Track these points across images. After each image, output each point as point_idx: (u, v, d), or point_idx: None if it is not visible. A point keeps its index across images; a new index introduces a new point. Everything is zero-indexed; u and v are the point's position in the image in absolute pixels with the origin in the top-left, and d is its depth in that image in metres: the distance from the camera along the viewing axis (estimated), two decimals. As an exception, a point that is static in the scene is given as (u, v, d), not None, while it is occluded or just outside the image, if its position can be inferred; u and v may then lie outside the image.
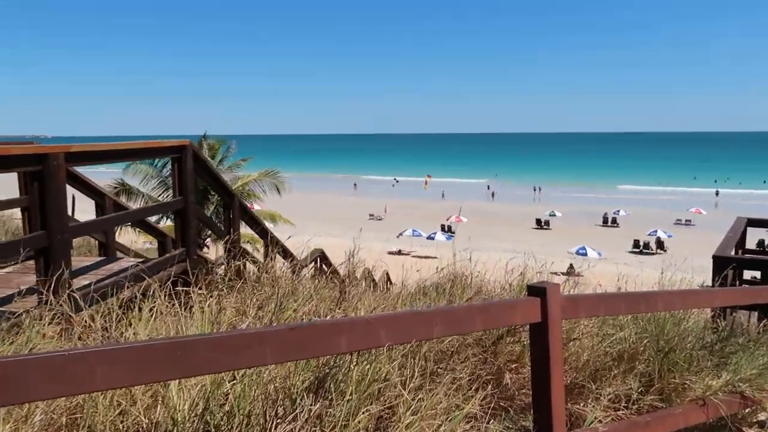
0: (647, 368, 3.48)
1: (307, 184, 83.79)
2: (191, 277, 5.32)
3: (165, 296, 3.35)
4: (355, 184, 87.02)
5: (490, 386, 3.19)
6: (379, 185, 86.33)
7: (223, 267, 5.61)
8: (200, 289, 4.01)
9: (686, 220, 49.95)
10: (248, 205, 23.40)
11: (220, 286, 3.63)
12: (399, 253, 38.92)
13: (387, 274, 18.43)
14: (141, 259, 6.82)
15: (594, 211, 54.88)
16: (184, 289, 3.98)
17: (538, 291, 2.69)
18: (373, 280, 15.05)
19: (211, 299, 3.30)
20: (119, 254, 7.71)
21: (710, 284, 5.72)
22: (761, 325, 4.17)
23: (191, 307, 3.52)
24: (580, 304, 2.84)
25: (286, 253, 9.47)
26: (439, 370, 2.96)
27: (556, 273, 25.76)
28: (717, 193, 71.34)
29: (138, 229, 13.00)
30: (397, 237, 40.45)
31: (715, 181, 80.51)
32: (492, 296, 3.97)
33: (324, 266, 11.13)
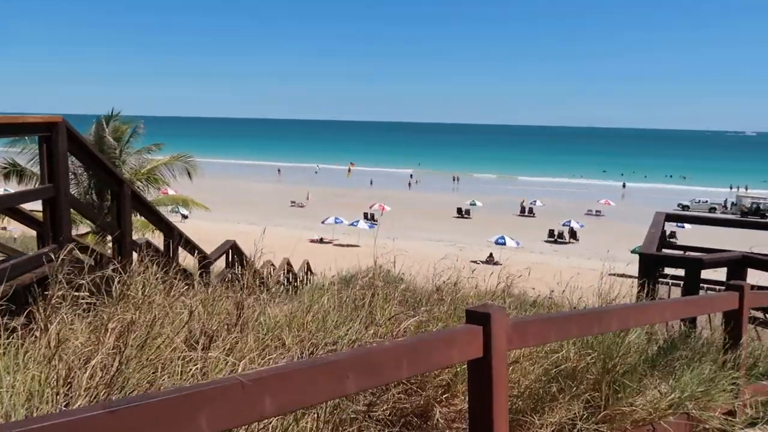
0: (594, 393, 3.05)
1: (231, 169, 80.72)
2: (55, 282, 4.39)
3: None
4: (279, 170, 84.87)
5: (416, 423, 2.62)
6: (303, 172, 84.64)
7: (111, 268, 4.71)
8: (67, 297, 3.17)
9: (596, 211, 52.50)
10: (161, 189, 21.76)
11: (73, 302, 2.82)
12: (321, 241, 38.10)
13: (307, 263, 17.67)
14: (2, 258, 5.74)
15: (511, 201, 56.47)
16: (46, 295, 3.14)
17: (479, 318, 2.10)
18: (292, 270, 14.28)
19: (58, 324, 2.49)
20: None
21: (636, 278, 5.59)
22: (704, 338, 3.91)
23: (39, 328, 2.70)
24: (528, 330, 2.31)
25: (192, 246, 8.48)
26: (353, 415, 2.34)
27: (476, 261, 26.05)
28: (624, 186, 75.66)
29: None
30: (322, 223, 39.56)
31: (622, 175, 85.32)
32: (419, 308, 3.40)
33: (236, 258, 10.21)
